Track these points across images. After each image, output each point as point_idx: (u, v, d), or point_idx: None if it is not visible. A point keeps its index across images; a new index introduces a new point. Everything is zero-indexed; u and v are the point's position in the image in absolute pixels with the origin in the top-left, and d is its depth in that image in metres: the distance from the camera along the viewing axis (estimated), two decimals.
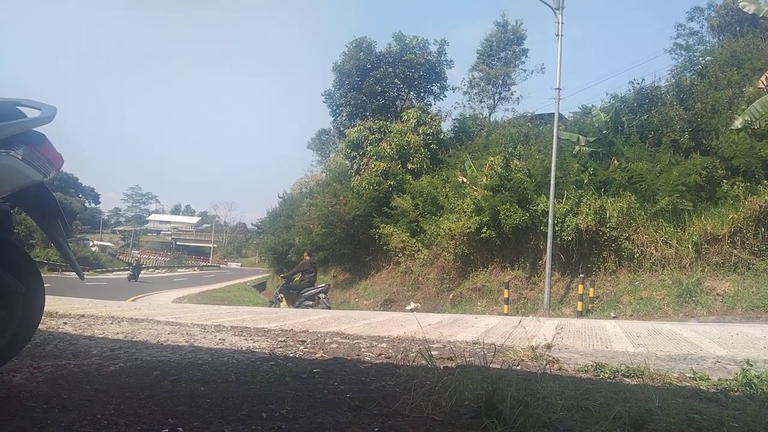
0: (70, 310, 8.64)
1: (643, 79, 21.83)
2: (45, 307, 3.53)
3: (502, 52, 39.44)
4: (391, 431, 2.52)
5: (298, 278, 17.31)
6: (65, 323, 6.65)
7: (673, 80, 21.61)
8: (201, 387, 3.38)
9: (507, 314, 15.26)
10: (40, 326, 3.74)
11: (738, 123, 16.18)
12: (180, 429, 2.44)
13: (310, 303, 15.73)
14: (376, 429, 2.55)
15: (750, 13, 18.47)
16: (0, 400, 2.88)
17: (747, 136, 15.80)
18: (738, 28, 25.51)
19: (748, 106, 16.46)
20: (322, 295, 16.00)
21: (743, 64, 19.73)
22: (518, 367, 4.37)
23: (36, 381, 3.37)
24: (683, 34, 31.16)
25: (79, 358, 4.27)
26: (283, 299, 16.59)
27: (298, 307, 15.44)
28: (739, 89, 18.46)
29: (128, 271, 41.76)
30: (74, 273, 4.05)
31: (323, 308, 14.87)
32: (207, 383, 3.50)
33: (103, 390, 3.22)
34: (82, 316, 7.76)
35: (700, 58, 23.14)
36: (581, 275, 15.80)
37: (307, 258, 18.91)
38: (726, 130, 16.70)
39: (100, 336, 5.74)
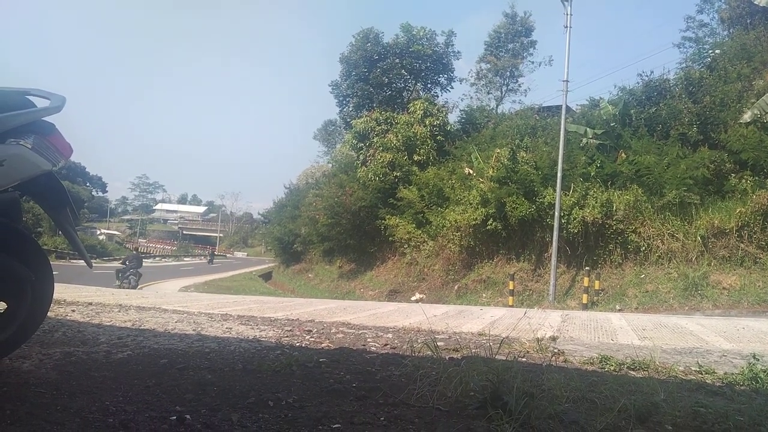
0: (78, 297, 8.69)
1: (652, 72, 21.73)
2: (53, 295, 3.56)
3: (510, 44, 39.16)
4: (397, 421, 2.53)
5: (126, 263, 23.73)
6: (73, 311, 6.70)
7: (682, 73, 21.43)
8: (208, 375, 3.41)
9: (512, 306, 15.27)
10: (48, 313, 3.77)
11: (747, 116, 16.08)
12: (187, 416, 2.47)
13: (126, 282, 22.11)
14: (382, 418, 2.57)
15: (761, 5, 18.29)
16: (10, 386, 2.91)
17: (756, 130, 15.71)
18: (749, 21, 25.18)
19: (757, 100, 16.35)
20: (132, 278, 22.44)
21: (753, 57, 19.54)
22: (524, 359, 4.38)
23: (45, 368, 3.40)
24: (693, 26, 30.84)
25: (88, 345, 4.31)
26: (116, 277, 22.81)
27: (120, 282, 21.96)
28: (748, 82, 18.29)
29: (207, 257, 62.29)
30: (82, 261, 4.07)
31: (133, 287, 21.63)
32: (214, 371, 3.53)
33: (112, 377, 3.25)
34: (90, 303, 7.82)
35: (710, 51, 22.92)
36: (587, 268, 15.80)
37: (133, 252, 29.09)
38: (735, 123, 16.60)
39: (108, 324, 5.78)
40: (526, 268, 18.33)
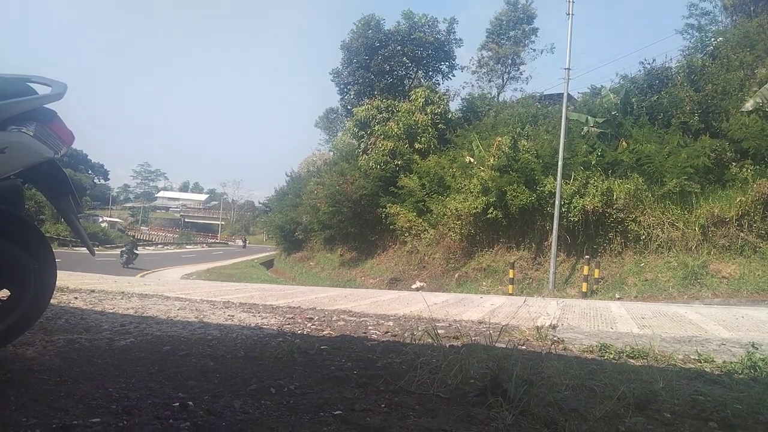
0: (80, 285, 8.72)
1: (654, 60, 21.54)
2: (56, 282, 3.57)
3: (512, 31, 38.97)
4: (398, 408, 2.55)
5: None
6: (76, 298, 6.72)
7: (684, 61, 21.28)
8: (210, 362, 3.43)
9: (512, 294, 15.32)
10: (51, 301, 3.79)
11: (749, 105, 16.02)
12: (190, 403, 2.48)
13: (121, 259, 28.00)
14: (382, 405, 2.59)
15: None
16: (14, 372, 2.94)
17: (758, 119, 15.64)
18: (752, 8, 24.88)
19: (759, 88, 16.28)
20: (125, 255, 28.13)
21: (756, 45, 19.38)
22: (523, 347, 4.40)
23: (48, 354, 3.43)
24: (695, 13, 30.50)
25: (91, 332, 4.33)
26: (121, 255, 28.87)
27: (120, 260, 28.22)
28: (751, 71, 18.16)
29: (241, 242, 74.06)
30: (84, 248, 4.08)
31: (124, 263, 27.55)
32: (216, 358, 3.55)
33: (115, 364, 3.27)
34: (93, 291, 7.85)
35: (712, 39, 22.75)
36: (587, 256, 15.82)
37: (130, 239, 39.54)
38: (737, 112, 16.52)
39: (111, 311, 5.80)
40: (526, 256, 18.36)
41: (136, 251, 29.97)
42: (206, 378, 3.00)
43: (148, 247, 58.69)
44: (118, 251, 32.01)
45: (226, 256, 46.47)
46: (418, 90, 28.56)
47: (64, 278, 9.24)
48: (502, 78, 40.02)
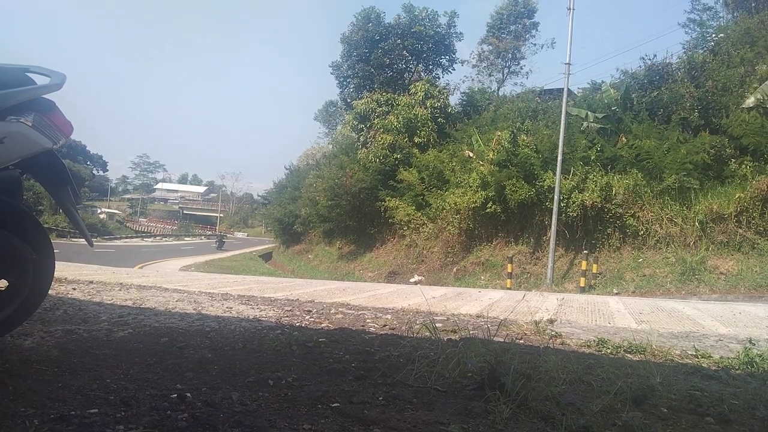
0: (78, 276, 8.72)
1: (655, 55, 21.51)
2: (54, 273, 3.56)
3: (512, 26, 38.82)
4: (395, 401, 2.56)
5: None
6: (74, 289, 6.72)
7: (685, 57, 21.26)
8: (208, 354, 3.43)
9: (510, 288, 15.33)
10: (49, 292, 3.78)
11: (749, 102, 16.00)
12: (188, 394, 2.49)
13: (216, 245, 45.04)
14: (380, 398, 2.59)
15: None
16: (12, 363, 2.94)
17: (758, 116, 15.63)
18: (753, 4, 24.86)
19: (760, 85, 16.26)
20: (217, 243, 46.07)
21: (757, 41, 19.33)
22: (521, 341, 4.41)
23: (46, 345, 3.43)
24: (697, 9, 30.53)
25: (89, 323, 4.34)
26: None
27: (217, 248, 44.70)
28: (751, 67, 18.12)
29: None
30: (83, 239, 4.08)
31: (218, 248, 44.92)
32: (214, 350, 3.55)
33: (112, 355, 3.27)
34: (91, 282, 7.85)
35: (713, 35, 22.73)
36: (585, 251, 15.83)
37: (221, 231, 70.05)
38: (737, 108, 16.51)
39: (109, 302, 5.80)
40: (524, 251, 18.36)
41: (224, 240, 48.81)
42: (204, 370, 3.01)
43: (146, 239, 58.71)
44: (213, 240, 54.82)
45: (225, 248, 46.49)
46: (418, 84, 28.51)
47: (62, 269, 9.25)
48: (503, 72, 39.92)
